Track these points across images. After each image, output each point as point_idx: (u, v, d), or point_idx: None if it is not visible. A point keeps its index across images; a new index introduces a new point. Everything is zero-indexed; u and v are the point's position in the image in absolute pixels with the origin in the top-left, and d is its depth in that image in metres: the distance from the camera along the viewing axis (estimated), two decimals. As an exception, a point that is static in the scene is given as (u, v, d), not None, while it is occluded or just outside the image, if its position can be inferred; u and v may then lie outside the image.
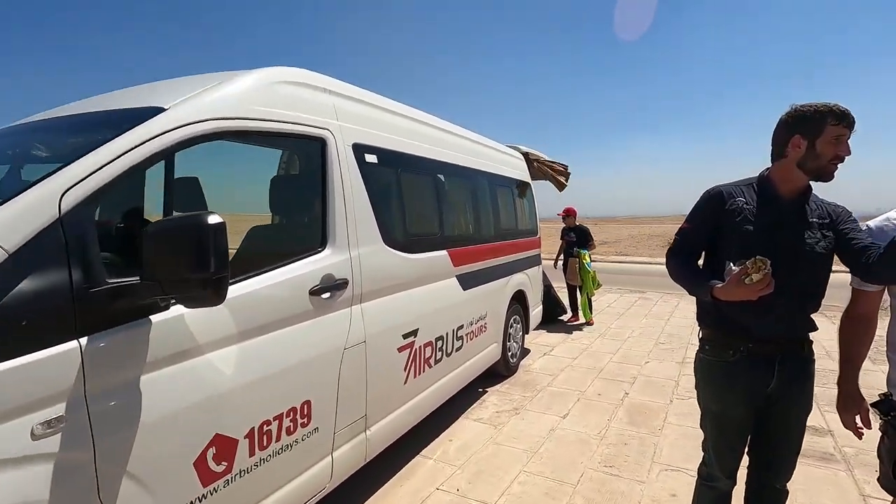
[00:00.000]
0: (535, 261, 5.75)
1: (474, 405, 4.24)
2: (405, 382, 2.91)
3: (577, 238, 7.53)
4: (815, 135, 1.72)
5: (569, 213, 7.59)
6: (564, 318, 7.72)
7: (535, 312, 5.74)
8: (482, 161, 4.43)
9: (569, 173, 7.28)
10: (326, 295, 2.25)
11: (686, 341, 6.46)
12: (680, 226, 2.01)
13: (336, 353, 2.31)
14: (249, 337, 1.88)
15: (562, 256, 7.82)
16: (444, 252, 3.44)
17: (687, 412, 4.09)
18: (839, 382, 1.94)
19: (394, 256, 2.80)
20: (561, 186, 7.27)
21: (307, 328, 2.14)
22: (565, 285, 7.81)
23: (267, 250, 2.28)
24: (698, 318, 2.04)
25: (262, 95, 2.06)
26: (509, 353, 4.91)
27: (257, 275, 1.96)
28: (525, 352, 5.78)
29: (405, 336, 2.89)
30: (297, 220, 2.56)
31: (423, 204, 3.39)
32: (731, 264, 1.75)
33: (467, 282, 3.76)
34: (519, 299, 5.13)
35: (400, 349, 2.84)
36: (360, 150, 2.60)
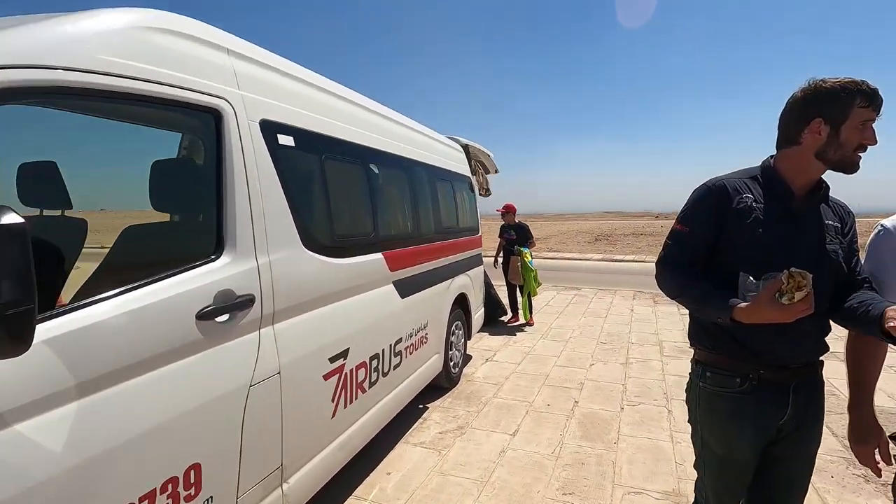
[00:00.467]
0: (477, 261, 5.35)
1: (414, 426, 3.77)
2: (334, 415, 2.38)
3: (517, 236, 7.25)
4: (840, 119, 1.40)
5: (508, 210, 7.28)
6: (504, 318, 7.43)
7: (477, 316, 5.35)
8: (421, 151, 3.95)
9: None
10: (223, 318, 1.69)
11: (626, 340, 6.36)
12: (672, 228, 1.63)
13: (238, 393, 1.75)
14: (97, 389, 1.29)
15: (501, 255, 7.53)
16: (379, 255, 2.93)
17: (639, 420, 3.86)
18: (850, 408, 1.66)
19: (317, 263, 2.27)
20: (483, 191, 7.09)
21: (193, 366, 1.57)
22: (504, 284, 7.53)
23: (139, 260, 1.68)
24: (692, 338, 1.69)
25: (122, 44, 1.46)
26: (451, 363, 4.48)
27: (116, 296, 1.38)
28: (467, 358, 5.39)
29: (333, 359, 2.36)
30: (183, 219, 1.97)
31: (354, 198, 2.86)
32: (750, 278, 1.40)
33: (406, 288, 3.28)
34: (461, 303, 4.71)
35: (326, 376, 2.31)
36: (270, 128, 2.04)
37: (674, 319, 7.62)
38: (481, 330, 6.43)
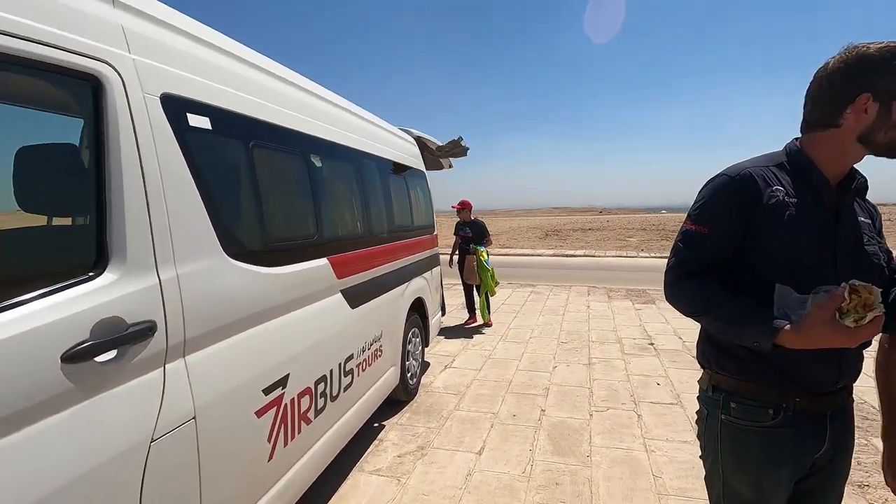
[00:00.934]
0: (434, 261, 5.00)
1: (369, 450, 3.37)
2: (271, 458, 1.96)
3: (473, 234, 6.94)
4: (893, 92, 1.14)
5: (464, 206, 6.97)
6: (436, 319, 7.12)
7: (435, 321, 5.00)
8: (371, 143, 3.54)
9: (463, 147, 5.79)
10: (106, 356, 1.25)
11: (586, 339, 6.19)
12: (683, 229, 1.33)
13: (132, 453, 1.31)
14: None
15: (457, 253, 7.21)
16: (324, 261, 2.51)
17: (610, 428, 3.63)
18: (885, 436, 1.42)
19: (244, 274, 1.84)
20: (448, 164, 6.39)
21: (58, 429, 1.13)
22: (460, 284, 7.23)
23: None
24: (707, 359, 1.39)
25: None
26: (409, 374, 4.11)
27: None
28: (424, 366, 5.02)
29: (268, 390, 1.94)
30: (53, 223, 1.50)
31: (292, 194, 2.43)
32: (794, 292, 1.12)
33: (356, 297, 2.88)
34: (417, 308, 4.34)
35: (260, 412, 1.89)
36: (176, 105, 1.60)
37: (630, 315, 7.57)
38: (438, 333, 6.11)
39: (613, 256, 17.80)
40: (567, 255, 18.32)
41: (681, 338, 6.18)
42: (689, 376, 4.77)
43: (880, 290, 1.04)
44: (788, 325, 1.10)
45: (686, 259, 1.29)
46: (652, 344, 5.94)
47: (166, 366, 1.46)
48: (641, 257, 17.42)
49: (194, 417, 1.53)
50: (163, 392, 1.43)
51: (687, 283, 1.27)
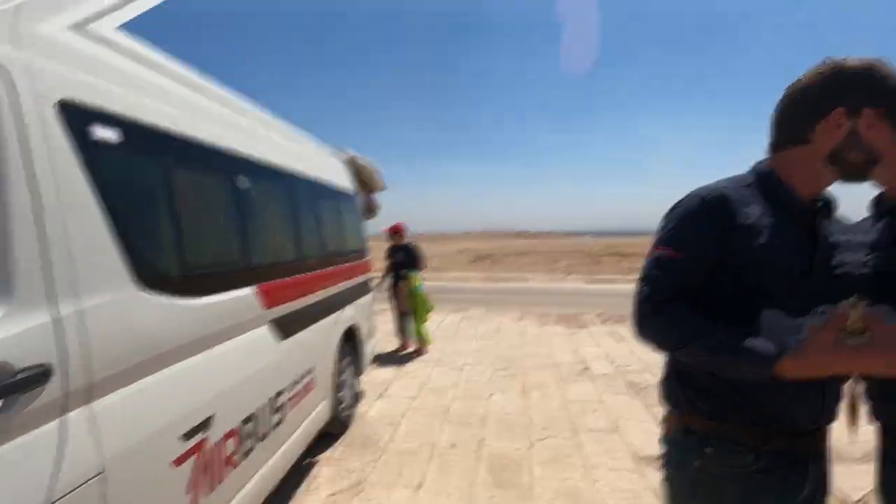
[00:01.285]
0: (367, 288, 4.84)
1: (300, 490, 3.11)
2: (189, 511, 1.73)
3: (406, 258, 6.82)
4: (868, 110, 1.10)
5: (396, 231, 6.86)
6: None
7: (368, 349, 4.81)
8: (301, 162, 3.38)
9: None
10: (-18, 410, 1.03)
11: (521, 365, 6.14)
12: (653, 254, 1.23)
13: (14, 527, 1.09)
14: None
15: (390, 279, 7.03)
16: (250, 289, 2.32)
17: (551, 458, 3.56)
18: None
19: (159, 307, 1.63)
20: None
21: None
22: (392, 309, 7.05)
23: None
24: (675, 400, 1.29)
25: None
26: (341, 406, 3.89)
27: None
28: (358, 395, 4.79)
29: (187, 435, 1.72)
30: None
31: (212, 217, 2.22)
32: (785, 316, 1.08)
33: (286, 328, 2.68)
34: (350, 337, 4.15)
35: (178, 460, 1.66)
36: (77, 115, 1.40)
37: (562, 339, 7.65)
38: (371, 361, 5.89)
39: (543, 281, 18.31)
40: (498, 280, 18.63)
41: (613, 362, 6.25)
42: (625, 402, 4.77)
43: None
44: (791, 351, 1.02)
45: (661, 286, 1.19)
46: (587, 369, 6.00)
47: (68, 415, 1.24)
48: (571, 281, 18.04)
49: (101, 472, 1.31)
50: (62, 447, 1.21)
51: (663, 314, 1.18)
